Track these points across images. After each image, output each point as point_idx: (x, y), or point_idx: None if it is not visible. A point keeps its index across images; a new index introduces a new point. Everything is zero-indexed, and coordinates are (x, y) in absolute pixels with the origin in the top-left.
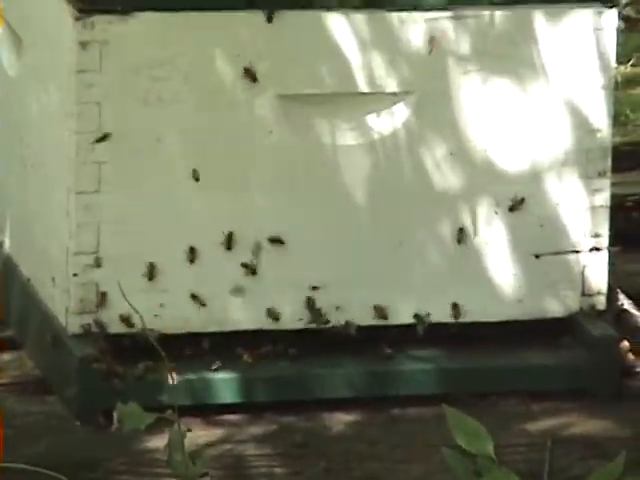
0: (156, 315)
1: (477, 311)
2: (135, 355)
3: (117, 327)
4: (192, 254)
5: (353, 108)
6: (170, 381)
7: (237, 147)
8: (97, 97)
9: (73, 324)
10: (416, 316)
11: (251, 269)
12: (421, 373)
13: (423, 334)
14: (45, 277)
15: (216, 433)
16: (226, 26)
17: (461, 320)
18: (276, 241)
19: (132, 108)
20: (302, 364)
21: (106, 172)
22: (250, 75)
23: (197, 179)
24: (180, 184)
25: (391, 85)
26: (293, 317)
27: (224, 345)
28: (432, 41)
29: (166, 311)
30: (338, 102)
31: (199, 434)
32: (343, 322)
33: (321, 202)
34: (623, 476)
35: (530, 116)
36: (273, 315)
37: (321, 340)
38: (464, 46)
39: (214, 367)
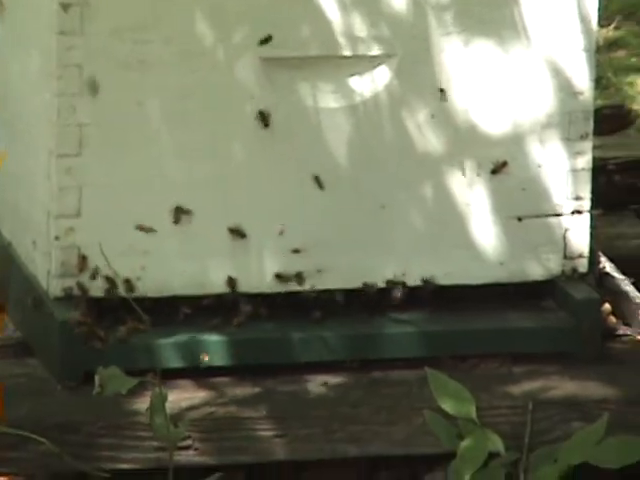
0: (138, 278)
1: (459, 274)
2: (118, 318)
3: (99, 290)
4: (177, 215)
5: (335, 71)
6: (151, 344)
7: (219, 110)
8: (78, 59)
9: (55, 287)
10: (391, 281)
11: (239, 234)
12: (403, 336)
13: (405, 297)
14: (26, 240)
15: (199, 396)
16: None
17: (443, 283)
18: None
19: (113, 71)
20: (285, 327)
21: (88, 135)
22: (263, 120)
23: (178, 143)
24: (162, 147)
25: (373, 48)
26: (276, 280)
27: (206, 308)
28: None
29: (148, 274)
30: (320, 65)
31: (182, 397)
32: (325, 285)
33: (303, 165)
34: (605, 438)
35: (512, 79)
36: (255, 277)
37: (304, 303)
38: (446, 8)
39: (195, 329)
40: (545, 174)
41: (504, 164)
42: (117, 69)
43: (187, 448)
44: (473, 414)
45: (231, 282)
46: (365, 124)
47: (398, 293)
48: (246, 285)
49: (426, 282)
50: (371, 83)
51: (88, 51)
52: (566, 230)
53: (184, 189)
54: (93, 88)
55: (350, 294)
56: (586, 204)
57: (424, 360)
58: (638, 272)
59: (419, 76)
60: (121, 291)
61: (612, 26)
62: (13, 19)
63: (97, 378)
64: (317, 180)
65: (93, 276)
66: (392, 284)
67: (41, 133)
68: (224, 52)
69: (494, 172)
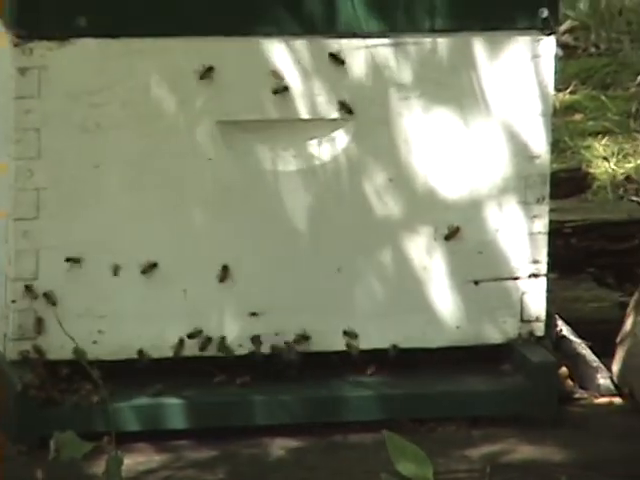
0: (95, 342)
1: (417, 337)
2: (74, 381)
3: (56, 354)
4: (146, 269)
5: (293, 134)
6: (107, 407)
7: (176, 174)
8: (36, 123)
9: (11, 351)
10: (347, 343)
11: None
12: (362, 399)
13: (362, 360)
14: None
15: (156, 459)
16: (164, 52)
17: (401, 346)
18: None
19: (71, 134)
20: (245, 390)
21: (45, 198)
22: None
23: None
24: (119, 209)
25: (331, 111)
26: (234, 343)
27: (166, 370)
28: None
29: (105, 337)
30: (278, 128)
31: (139, 460)
32: (283, 348)
33: (261, 229)
34: None
35: (469, 143)
36: (212, 340)
37: (264, 367)
38: (404, 73)
39: (155, 392)
40: (502, 238)
41: (457, 230)
42: (74, 132)
43: None
44: (430, 478)
45: (183, 345)
46: (323, 187)
47: (355, 357)
48: (201, 348)
49: (383, 346)
50: (329, 147)
51: (45, 114)
52: (523, 293)
53: (140, 251)
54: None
55: (308, 357)
56: (543, 267)
57: (382, 423)
58: (594, 335)
59: (377, 140)
60: (77, 355)
61: (568, 90)
62: None
63: (53, 443)
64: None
65: (50, 339)
66: (349, 347)
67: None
68: (181, 116)
69: (447, 238)
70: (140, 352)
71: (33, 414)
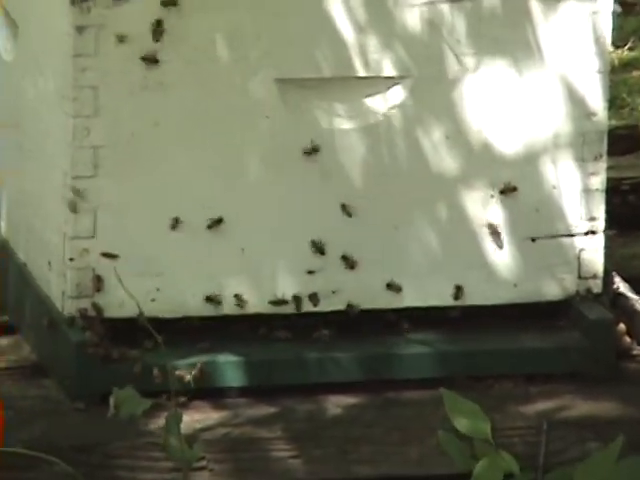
0: (153, 299)
1: (475, 294)
2: (133, 338)
3: (114, 311)
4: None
5: (350, 92)
6: (166, 365)
7: (235, 131)
8: (94, 81)
9: (70, 308)
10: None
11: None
12: (418, 356)
13: (420, 318)
14: (42, 261)
15: (215, 417)
16: (223, 10)
17: (460, 303)
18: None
19: (129, 92)
20: (301, 348)
21: (103, 157)
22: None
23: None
24: (177, 168)
25: (387, 69)
26: (290, 301)
27: (222, 328)
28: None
29: (162, 295)
30: (335, 86)
31: (197, 417)
32: (341, 306)
33: (318, 186)
34: (620, 459)
35: (526, 99)
36: (269, 299)
37: (320, 323)
38: (461, 30)
39: (217, 345)
40: (559, 195)
41: (514, 188)
42: (132, 90)
43: (202, 469)
44: (488, 435)
45: (242, 302)
46: (379, 145)
47: (412, 314)
48: (260, 306)
49: (441, 304)
50: (386, 104)
51: (103, 73)
52: (580, 250)
53: (199, 209)
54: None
55: (366, 314)
56: (600, 224)
57: (439, 380)
58: None
59: (434, 97)
60: (136, 312)
61: (627, 47)
62: (27, 40)
63: (112, 399)
64: (344, 208)
65: (108, 297)
66: (406, 305)
67: (56, 155)
68: (240, 73)
69: (502, 192)
70: (197, 309)
71: (91, 371)
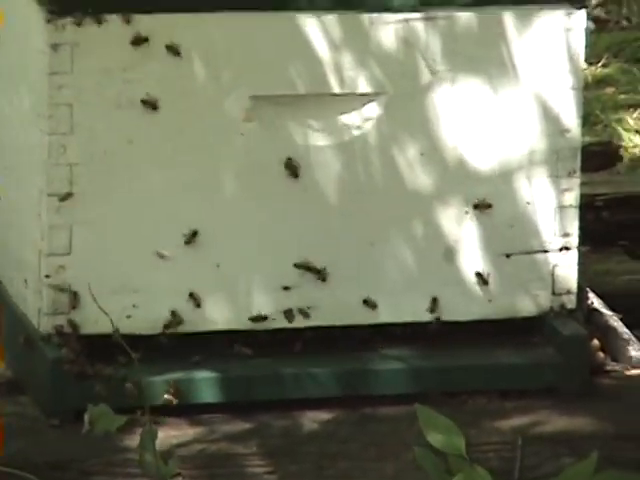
0: (128, 316)
1: (449, 310)
2: (108, 355)
3: (90, 328)
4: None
5: (325, 109)
6: (140, 381)
7: (210, 149)
8: (69, 99)
9: (46, 325)
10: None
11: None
12: (393, 372)
13: (394, 334)
14: (18, 278)
15: (190, 432)
16: (197, 27)
17: (435, 316)
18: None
19: (104, 110)
20: (277, 364)
21: (78, 174)
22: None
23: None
24: (152, 185)
25: (362, 86)
26: (268, 317)
27: (198, 345)
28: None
29: (138, 312)
30: (310, 103)
31: (173, 434)
32: (315, 322)
33: (293, 203)
34: (595, 474)
35: (500, 116)
36: (244, 315)
37: (295, 340)
38: (435, 47)
39: (193, 361)
40: (533, 211)
41: (488, 205)
42: (107, 108)
43: None
44: (462, 450)
45: (222, 319)
46: (354, 162)
47: (386, 330)
48: (235, 322)
49: (416, 320)
50: (361, 121)
51: (78, 90)
52: (554, 266)
53: (174, 226)
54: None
55: (342, 330)
56: (574, 240)
57: (414, 396)
58: (626, 308)
59: (408, 114)
60: (111, 329)
61: (600, 63)
62: (3, 59)
63: (87, 416)
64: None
65: (84, 314)
66: (381, 321)
67: (32, 172)
68: (214, 90)
69: (477, 208)
70: (167, 326)
71: (67, 388)
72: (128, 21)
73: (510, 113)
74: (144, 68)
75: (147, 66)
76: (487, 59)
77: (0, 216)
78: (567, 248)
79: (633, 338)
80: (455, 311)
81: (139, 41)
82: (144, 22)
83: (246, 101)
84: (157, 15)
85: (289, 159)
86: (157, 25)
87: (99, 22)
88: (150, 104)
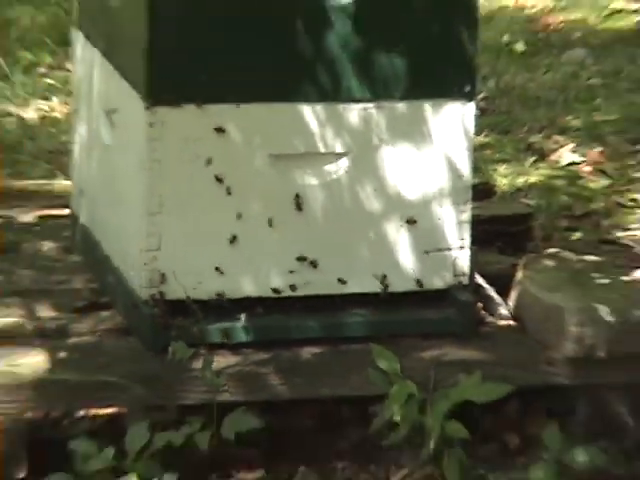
0: (195, 288)
1: (394, 285)
2: (184, 313)
3: (172, 295)
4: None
5: (316, 162)
6: (201, 328)
7: (247, 188)
8: (159, 156)
9: (144, 294)
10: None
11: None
12: (357, 323)
13: (359, 300)
14: (125, 261)
15: (232, 360)
16: (238, 113)
17: (385, 290)
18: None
19: (182, 161)
20: (285, 317)
21: (164, 201)
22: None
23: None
24: (212, 213)
25: (338, 147)
26: (280, 289)
27: (237, 306)
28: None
29: (201, 286)
30: (307, 158)
31: (221, 360)
32: (310, 292)
33: (298, 222)
34: (480, 384)
35: (423, 167)
36: (270, 287)
37: (296, 303)
38: (382, 124)
39: (234, 316)
40: (443, 224)
41: (415, 221)
42: (184, 160)
43: (224, 391)
44: (398, 370)
45: (256, 288)
46: (333, 194)
47: (353, 297)
48: (262, 292)
49: (370, 290)
50: (337, 169)
51: (166, 150)
52: (455, 258)
53: (223, 237)
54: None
55: (324, 298)
56: (467, 242)
57: (370, 338)
58: (499, 284)
59: (366, 165)
60: (184, 296)
61: (483, 134)
62: (118, 129)
63: (170, 349)
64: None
65: (169, 286)
66: (350, 291)
67: (136, 200)
68: (247, 151)
69: (408, 223)
70: (221, 294)
71: (158, 332)
72: (199, 106)
73: (429, 165)
74: (208, 138)
75: (209, 137)
76: (415, 132)
77: (118, 223)
78: (462, 247)
79: (502, 302)
80: (397, 285)
81: (218, 130)
82: (209, 109)
83: (266, 158)
84: (216, 104)
85: (297, 195)
86: (206, 113)
87: (180, 107)
88: (208, 160)
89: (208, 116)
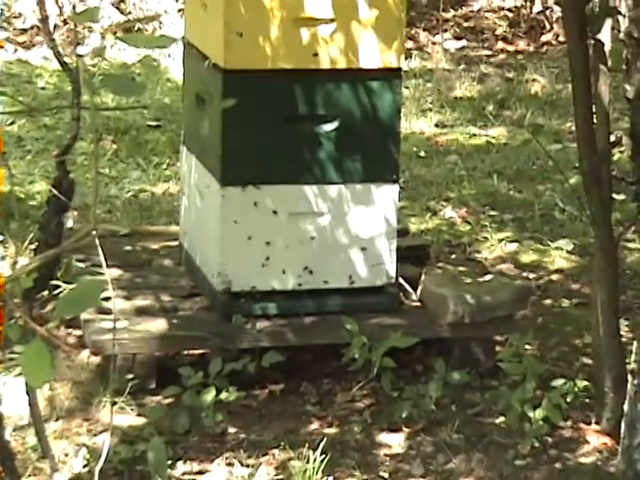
0: (245, 284)
1: (356, 282)
2: (241, 298)
3: (234, 289)
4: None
5: (314, 217)
6: (249, 306)
7: (277, 228)
8: (228, 217)
9: (218, 285)
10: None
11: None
12: (336, 304)
13: (330, 293)
14: (209, 270)
15: (267, 324)
16: (275, 192)
17: (332, 286)
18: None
19: (245, 220)
20: (292, 301)
21: (232, 239)
22: None
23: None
24: (273, 236)
25: (324, 209)
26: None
27: (264, 296)
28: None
29: (250, 283)
30: (304, 216)
31: (261, 324)
32: (309, 287)
33: (307, 244)
34: (401, 337)
35: (371, 221)
36: (288, 286)
37: (303, 294)
38: (348, 196)
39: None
40: (381, 250)
41: (365, 249)
42: (245, 223)
43: (262, 341)
44: (357, 330)
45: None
46: (320, 227)
47: (327, 291)
48: (288, 285)
49: (339, 284)
50: (324, 221)
51: (232, 212)
52: (388, 269)
53: (258, 258)
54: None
55: (315, 292)
56: (394, 260)
57: (343, 312)
58: (411, 284)
59: (340, 221)
60: (242, 289)
61: (401, 201)
62: (205, 199)
63: (233, 318)
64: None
65: (235, 282)
66: (330, 287)
67: (215, 238)
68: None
69: (362, 249)
70: (254, 287)
71: (227, 309)
72: (247, 186)
73: (374, 218)
74: (252, 215)
75: (255, 214)
76: (365, 199)
77: (200, 240)
78: (391, 262)
79: (413, 292)
80: (357, 283)
81: (264, 208)
82: (252, 188)
83: (287, 214)
84: (253, 186)
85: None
86: (254, 193)
87: (239, 187)
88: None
89: (250, 192)
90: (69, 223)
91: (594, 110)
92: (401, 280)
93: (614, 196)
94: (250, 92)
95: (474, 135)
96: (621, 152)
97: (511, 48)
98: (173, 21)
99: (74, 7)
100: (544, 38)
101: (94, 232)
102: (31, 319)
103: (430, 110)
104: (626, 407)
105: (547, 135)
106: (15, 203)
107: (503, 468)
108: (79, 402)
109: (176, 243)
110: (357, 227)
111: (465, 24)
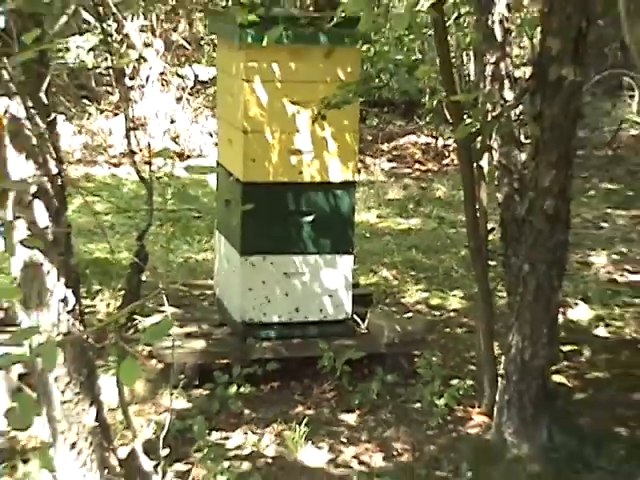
0: (255, 318)
1: (328, 316)
2: (252, 326)
3: (248, 320)
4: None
5: (307, 265)
6: (258, 332)
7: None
8: (246, 277)
9: (239, 319)
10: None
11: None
12: (314, 331)
13: (314, 326)
14: (233, 309)
15: (271, 345)
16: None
17: (322, 318)
18: None
19: (260, 286)
20: (288, 329)
21: (248, 290)
22: None
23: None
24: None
25: (304, 269)
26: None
27: (270, 324)
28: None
29: (259, 318)
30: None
31: (267, 344)
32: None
33: (287, 283)
34: (354, 352)
35: (332, 277)
36: (286, 315)
37: (294, 325)
38: (320, 263)
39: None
40: (343, 297)
41: (332, 295)
42: (259, 281)
43: (266, 355)
44: (327, 348)
45: (282, 314)
46: (303, 287)
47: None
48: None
49: (300, 318)
50: (305, 273)
51: (249, 275)
52: (347, 309)
53: (275, 280)
54: None
55: (302, 323)
56: (350, 303)
57: (319, 336)
58: (361, 318)
59: (317, 276)
60: (255, 321)
61: (355, 265)
62: (230, 264)
63: (247, 340)
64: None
65: (253, 316)
66: (309, 320)
67: (237, 289)
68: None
69: (329, 295)
70: (261, 320)
71: (243, 334)
72: (254, 256)
73: (329, 277)
74: (260, 274)
75: (262, 273)
76: (329, 264)
77: (225, 284)
78: (350, 304)
79: (362, 324)
80: (328, 317)
81: (268, 270)
82: (262, 257)
83: (282, 274)
84: (264, 255)
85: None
86: (262, 260)
87: (255, 256)
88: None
89: (258, 259)
90: (143, 278)
91: (477, 208)
92: (355, 316)
93: (489, 263)
94: (260, 197)
95: (400, 223)
96: (494, 235)
97: (424, 168)
98: (210, 152)
99: (149, 144)
100: (445, 161)
101: (162, 291)
102: (123, 341)
103: (372, 207)
104: (497, 397)
105: (447, 224)
106: (110, 266)
107: (419, 436)
108: (150, 393)
109: (211, 292)
110: (327, 282)
111: (394, 152)
